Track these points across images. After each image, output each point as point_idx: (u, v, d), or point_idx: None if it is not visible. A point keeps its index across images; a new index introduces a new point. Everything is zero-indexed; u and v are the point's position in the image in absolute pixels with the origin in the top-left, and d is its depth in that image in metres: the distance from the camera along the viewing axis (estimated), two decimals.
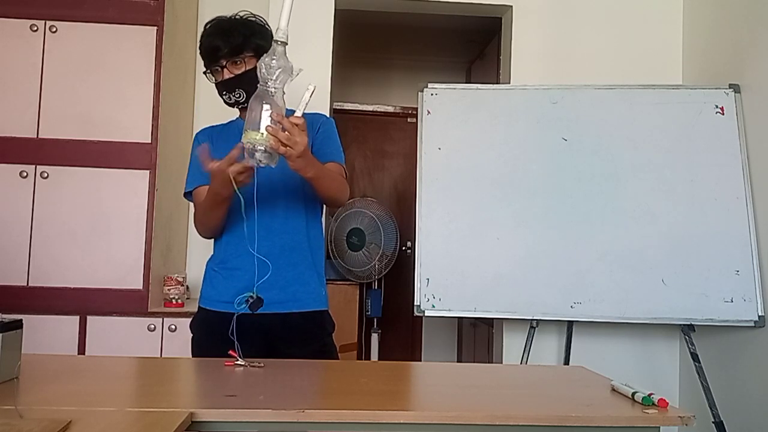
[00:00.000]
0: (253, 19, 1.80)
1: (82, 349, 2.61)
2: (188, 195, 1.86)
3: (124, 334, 2.63)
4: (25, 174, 2.64)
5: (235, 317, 1.55)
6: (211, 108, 3.29)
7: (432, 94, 2.94)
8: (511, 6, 3.31)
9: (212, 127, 1.91)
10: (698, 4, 3.20)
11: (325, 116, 1.90)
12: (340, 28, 3.39)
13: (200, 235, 1.84)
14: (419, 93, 2.95)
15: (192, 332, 1.84)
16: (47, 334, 2.56)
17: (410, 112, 4.97)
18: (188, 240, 3.23)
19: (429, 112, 2.92)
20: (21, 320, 1.32)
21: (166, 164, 2.81)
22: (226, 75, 1.75)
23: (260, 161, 1.46)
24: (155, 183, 2.68)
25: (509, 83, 3.27)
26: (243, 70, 1.75)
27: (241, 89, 1.74)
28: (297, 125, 1.46)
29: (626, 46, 3.27)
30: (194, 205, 1.84)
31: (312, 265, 1.82)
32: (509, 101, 2.94)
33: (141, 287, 2.66)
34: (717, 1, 3.05)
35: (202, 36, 1.79)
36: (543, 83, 3.05)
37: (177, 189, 3.03)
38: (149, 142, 2.69)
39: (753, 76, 2.77)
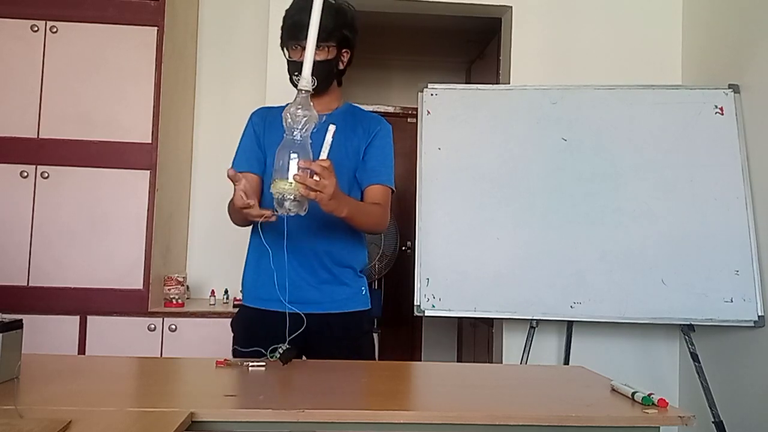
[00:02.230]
0: (346, 7, 1.73)
1: (82, 349, 2.61)
2: None
3: (124, 334, 2.63)
4: (25, 174, 2.64)
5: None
6: (211, 108, 3.31)
7: (432, 95, 2.95)
8: (511, 6, 3.32)
9: (270, 108, 1.86)
10: (698, 4, 3.20)
11: (383, 122, 1.83)
12: None
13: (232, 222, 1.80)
14: (419, 93, 2.95)
15: (233, 330, 1.81)
16: (47, 334, 2.56)
17: (410, 112, 4.96)
18: (188, 240, 3.23)
19: (429, 112, 2.92)
20: (21, 320, 1.32)
21: (166, 164, 2.81)
22: None
23: (290, 210, 1.46)
24: (155, 183, 2.68)
25: (509, 83, 3.27)
26: (325, 58, 1.69)
27: (315, 76, 1.59)
28: (325, 168, 1.44)
29: (626, 46, 3.28)
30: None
31: (349, 262, 1.78)
32: (509, 101, 2.94)
33: (141, 287, 2.66)
34: (717, 1, 3.05)
35: (289, 10, 1.72)
36: (543, 83, 3.05)
37: (177, 189, 3.04)
38: (149, 142, 2.69)
39: (753, 76, 2.77)
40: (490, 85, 3.31)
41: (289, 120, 1.45)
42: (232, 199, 1.78)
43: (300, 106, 1.45)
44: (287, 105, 1.67)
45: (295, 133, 1.45)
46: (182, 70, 3.07)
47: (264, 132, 1.80)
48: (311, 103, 1.47)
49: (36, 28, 2.69)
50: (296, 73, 1.65)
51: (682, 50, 3.28)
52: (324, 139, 1.47)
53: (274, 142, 1.70)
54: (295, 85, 1.65)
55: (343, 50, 1.76)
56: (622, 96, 2.90)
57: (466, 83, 4.98)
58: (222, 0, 3.34)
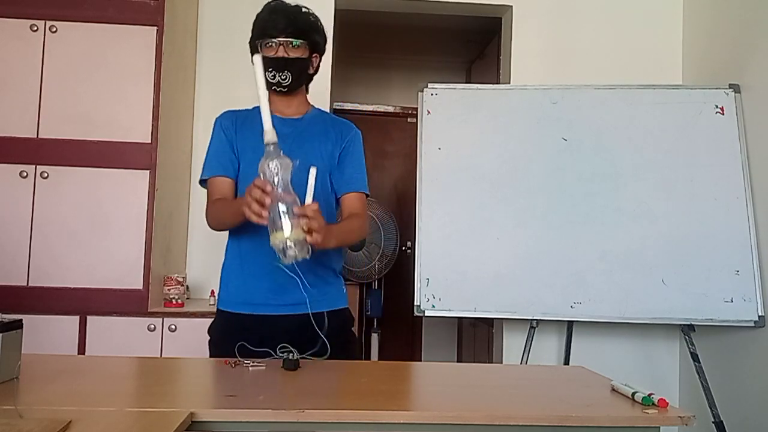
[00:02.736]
0: (314, 18, 1.81)
1: (82, 349, 2.61)
2: (203, 183, 1.82)
3: (124, 334, 2.63)
4: (25, 174, 2.64)
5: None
6: (211, 108, 3.30)
7: (432, 94, 2.95)
8: (511, 6, 3.32)
9: (236, 111, 1.87)
10: (698, 4, 3.20)
11: (354, 128, 1.88)
12: (340, 28, 3.39)
13: (210, 226, 1.79)
14: (419, 93, 2.95)
15: (210, 335, 1.80)
16: (47, 334, 2.55)
17: (410, 112, 4.96)
18: (188, 240, 3.23)
19: (429, 112, 2.92)
20: (21, 320, 1.32)
21: (166, 164, 2.81)
22: (281, 53, 1.73)
23: (295, 257, 1.47)
24: (155, 183, 2.68)
25: (509, 83, 3.27)
26: (300, 56, 1.74)
27: (290, 72, 1.72)
28: (315, 210, 1.49)
29: (626, 46, 3.28)
30: (207, 193, 1.79)
31: (331, 264, 1.80)
32: (509, 101, 2.94)
33: (141, 287, 2.66)
34: (717, 2, 3.05)
35: (260, 13, 1.78)
36: (543, 83, 3.05)
37: (177, 189, 3.03)
38: (149, 142, 2.69)
39: (753, 76, 2.77)
40: (490, 85, 3.31)
41: (267, 173, 1.47)
42: (209, 206, 1.77)
43: (272, 158, 1.47)
44: (254, 107, 1.70)
45: (275, 182, 1.46)
46: (182, 69, 3.07)
47: (236, 135, 1.80)
48: (281, 151, 1.49)
49: (35, 28, 2.68)
50: (271, 69, 1.73)
51: (682, 50, 3.29)
52: (307, 183, 1.51)
53: (248, 145, 1.76)
54: (271, 83, 1.73)
55: (314, 54, 1.80)
56: (622, 96, 2.90)
57: (466, 83, 4.98)
58: (222, 0, 3.34)
